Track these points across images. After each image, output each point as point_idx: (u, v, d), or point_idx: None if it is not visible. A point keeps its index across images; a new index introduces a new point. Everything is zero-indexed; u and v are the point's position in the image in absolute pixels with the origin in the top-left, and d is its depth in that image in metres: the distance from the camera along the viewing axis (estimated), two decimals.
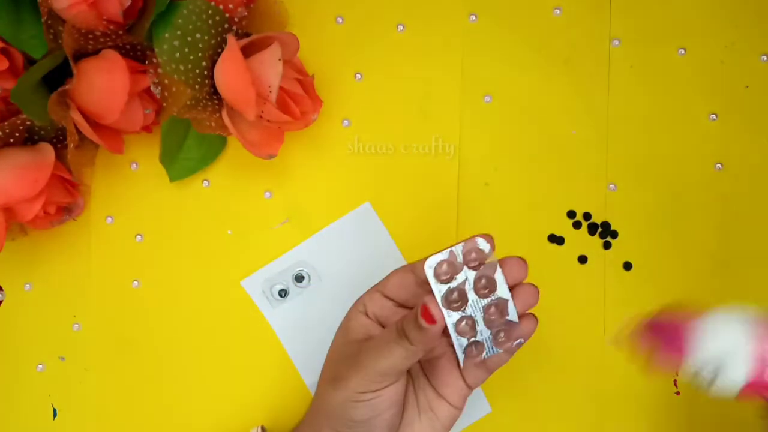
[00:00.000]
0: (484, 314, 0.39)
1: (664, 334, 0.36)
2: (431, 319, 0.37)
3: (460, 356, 0.40)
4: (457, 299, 0.38)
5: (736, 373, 0.34)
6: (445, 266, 0.38)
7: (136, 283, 0.51)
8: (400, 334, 0.38)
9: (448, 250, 0.39)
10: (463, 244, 0.39)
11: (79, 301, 0.50)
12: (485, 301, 0.39)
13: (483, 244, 0.39)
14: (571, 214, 0.51)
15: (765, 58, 0.52)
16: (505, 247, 0.51)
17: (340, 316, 0.45)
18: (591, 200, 0.51)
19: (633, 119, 0.52)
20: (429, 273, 0.38)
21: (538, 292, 0.40)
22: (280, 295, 0.50)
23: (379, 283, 0.43)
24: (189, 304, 0.51)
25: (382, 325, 0.43)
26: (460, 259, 0.39)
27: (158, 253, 0.51)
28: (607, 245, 0.51)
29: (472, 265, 0.39)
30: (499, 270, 0.39)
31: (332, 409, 0.40)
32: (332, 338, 0.45)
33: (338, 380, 0.40)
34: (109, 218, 0.51)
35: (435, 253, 0.39)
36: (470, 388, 0.42)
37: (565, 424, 0.51)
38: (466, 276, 0.39)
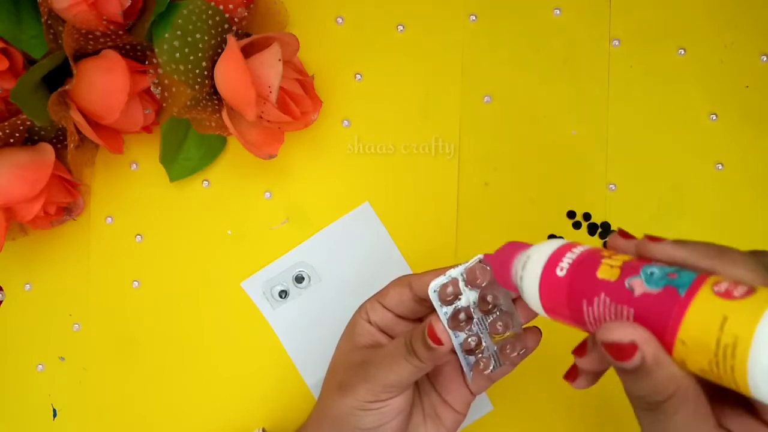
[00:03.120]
0: (490, 329, 0.39)
1: (496, 264, 0.37)
2: (438, 341, 0.37)
3: (468, 374, 0.40)
4: (462, 319, 0.38)
5: (532, 271, 0.34)
6: (450, 288, 0.38)
7: (136, 283, 0.51)
8: (409, 350, 0.38)
9: (449, 272, 0.38)
10: (463, 266, 0.39)
11: (78, 301, 0.50)
12: (490, 317, 0.39)
13: (485, 265, 0.39)
14: (571, 214, 0.51)
15: (765, 58, 0.52)
16: None
17: (340, 316, 0.45)
18: (591, 200, 0.51)
19: (633, 119, 0.52)
20: (433, 297, 0.38)
21: None
22: (281, 296, 0.50)
23: (379, 292, 0.43)
24: (189, 305, 0.51)
25: (386, 333, 0.43)
26: (461, 279, 0.38)
27: (158, 253, 0.51)
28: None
29: (476, 286, 0.38)
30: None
31: (339, 416, 0.40)
32: (332, 338, 0.45)
33: (346, 388, 0.40)
34: (109, 218, 0.51)
35: (432, 271, 0.39)
36: (473, 395, 0.42)
37: (566, 423, 0.51)
38: (469, 295, 0.38)
